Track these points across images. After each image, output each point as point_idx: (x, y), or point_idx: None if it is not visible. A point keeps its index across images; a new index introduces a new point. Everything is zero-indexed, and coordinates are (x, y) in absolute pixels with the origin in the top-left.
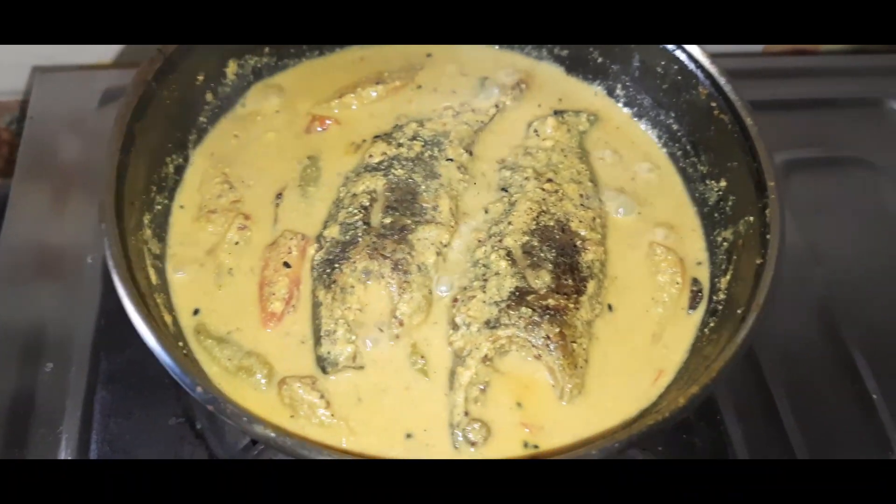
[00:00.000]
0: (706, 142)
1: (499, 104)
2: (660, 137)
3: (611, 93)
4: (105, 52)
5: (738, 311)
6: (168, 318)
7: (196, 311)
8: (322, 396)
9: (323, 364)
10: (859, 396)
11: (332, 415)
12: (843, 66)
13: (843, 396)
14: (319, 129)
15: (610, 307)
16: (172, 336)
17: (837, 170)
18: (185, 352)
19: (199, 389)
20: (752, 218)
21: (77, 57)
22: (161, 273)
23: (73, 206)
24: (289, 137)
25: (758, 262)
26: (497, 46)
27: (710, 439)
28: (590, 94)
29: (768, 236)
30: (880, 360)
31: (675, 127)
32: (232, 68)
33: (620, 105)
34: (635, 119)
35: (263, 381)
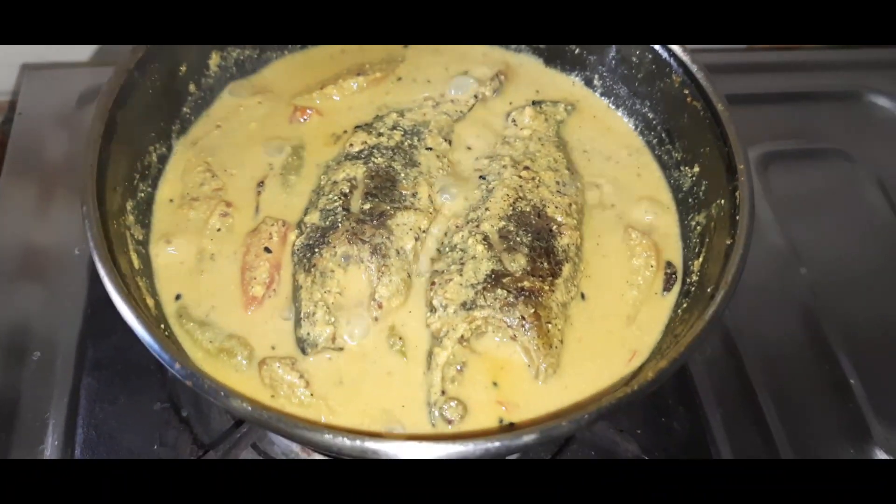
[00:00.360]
0: (680, 129)
1: (478, 95)
2: (636, 126)
3: (588, 83)
4: (94, 51)
5: (709, 290)
6: (150, 302)
7: (178, 296)
8: (302, 376)
9: (303, 345)
10: (837, 385)
11: (312, 394)
12: (822, 59)
13: (821, 381)
14: (302, 119)
15: (583, 296)
16: (154, 318)
17: (817, 162)
18: (167, 334)
19: (177, 366)
20: (723, 201)
21: (66, 54)
22: (144, 258)
23: (62, 200)
24: (271, 127)
25: (728, 242)
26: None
27: (689, 422)
28: (568, 85)
29: (738, 217)
30: (860, 352)
31: (650, 115)
32: (215, 60)
33: (598, 94)
34: (612, 108)
35: (244, 362)
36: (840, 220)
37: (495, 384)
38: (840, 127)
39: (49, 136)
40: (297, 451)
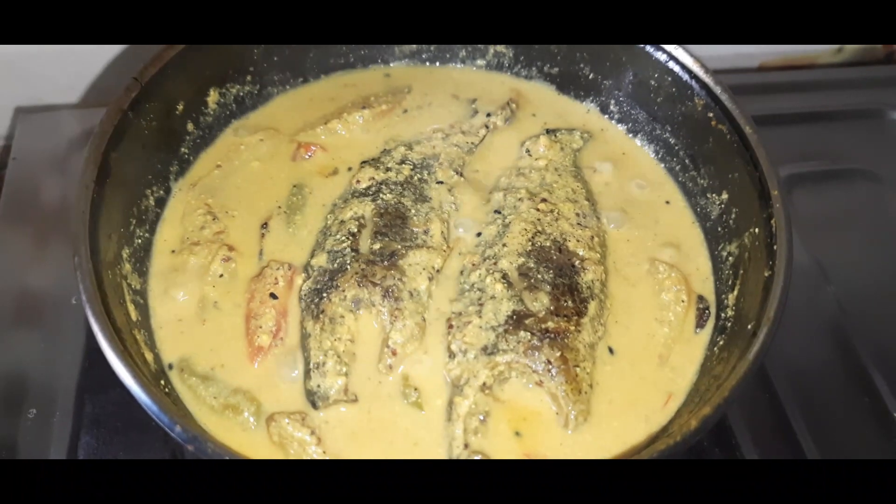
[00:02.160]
0: (705, 154)
1: (489, 125)
2: (657, 152)
3: (604, 109)
4: (90, 92)
5: (749, 327)
6: (149, 356)
7: (179, 355)
8: (313, 433)
9: (313, 398)
10: (877, 414)
11: (324, 452)
12: (840, 78)
13: (860, 415)
14: (306, 156)
15: (611, 350)
16: (153, 374)
17: (841, 183)
18: (167, 391)
19: (178, 429)
20: (757, 229)
21: (61, 97)
22: (142, 309)
23: (58, 246)
24: (274, 166)
25: (766, 274)
26: (485, 69)
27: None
28: (582, 112)
29: (775, 247)
30: (893, 368)
31: (671, 141)
32: (213, 97)
33: (614, 122)
34: (630, 135)
35: (252, 419)
36: (866, 238)
37: (518, 434)
38: (862, 146)
39: (45, 181)
40: None
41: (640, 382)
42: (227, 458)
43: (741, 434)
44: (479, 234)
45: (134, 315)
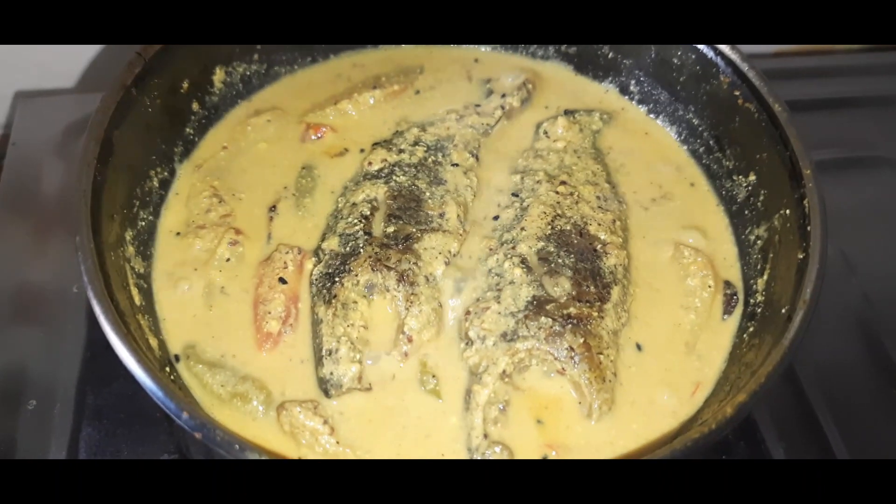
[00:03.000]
0: (731, 135)
1: (504, 106)
2: (679, 134)
3: (624, 90)
4: (87, 76)
5: (783, 311)
6: (154, 342)
7: (186, 339)
8: (326, 422)
9: (325, 387)
10: None
11: (338, 442)
12: (860, 64)
13: (890, 409)
14: (314, 137)
15: (637, 346)
16: (158, 361)
17: (864, 171)
18: (172, 378)
19: (185, 416)
20: (788, 211)
21: (56, 81)
22: (146, 293)
23: (58, 234)
24: (282, 147)
25: (800, 256)
26: (500, 48)
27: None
28: (600, 93)
29: (809, 228)
30: None
31: (695, 121)
32: (219, 76)
33: (634, 103)
34: (651, 116)
35: (261, 407)
36: (890, 228)
37: (539, 422)
38: (884, 133)
39: (45, 167)
40: None
41: (667, 371)
42: (237, 445)
43: (766, 428)
44: (496, 218)
45: (138, 299)
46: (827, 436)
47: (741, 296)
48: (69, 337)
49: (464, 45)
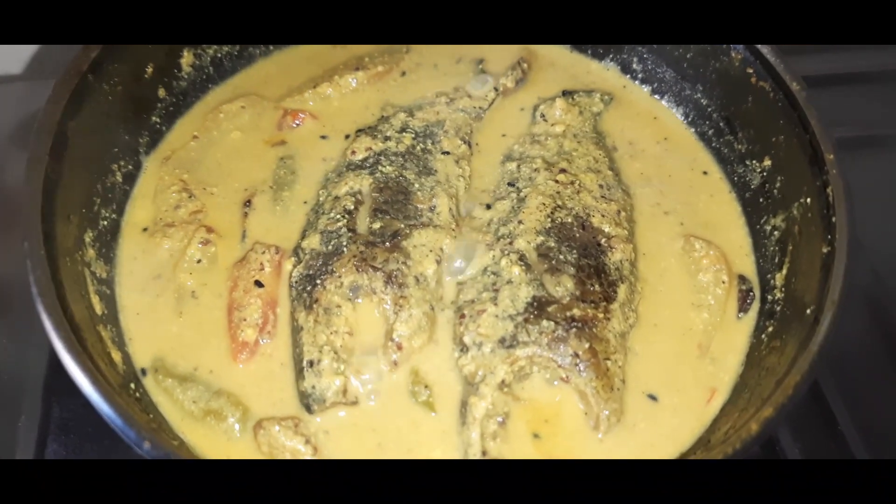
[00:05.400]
0: (743, 116)
1: (498, 87)
2: (686, 115)
3: (625, 68)
4: (35, 61)
5: (808, 312)
6: (117, 356)
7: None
8: (308, 441)
9: (307, 401)
10: None
11: None
12: None
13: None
14: (293, 124)
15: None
16: (122, 377)
17: (881, 150)
18: (138, 395)
19: (146, 445)
20: (808, 200)
21: (7, 67)
22: (109, 300)
23: (17, 231)
24: (257, 136)
25: (824, 250)
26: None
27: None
28: (601, 71)
29: (833, 219)
30: None
31: (703, 102)
32: (187, 59)
33: (637, 82)
34: (655, 97)
35: (237, 425)
36: None
37: (536, 436)
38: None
39: (4, 157)
40: None
41: (678, 375)
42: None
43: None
44: (488, 207)
45: (99, 308)
46: (844, 433)
47: (757, 292)
48: (33, 342)
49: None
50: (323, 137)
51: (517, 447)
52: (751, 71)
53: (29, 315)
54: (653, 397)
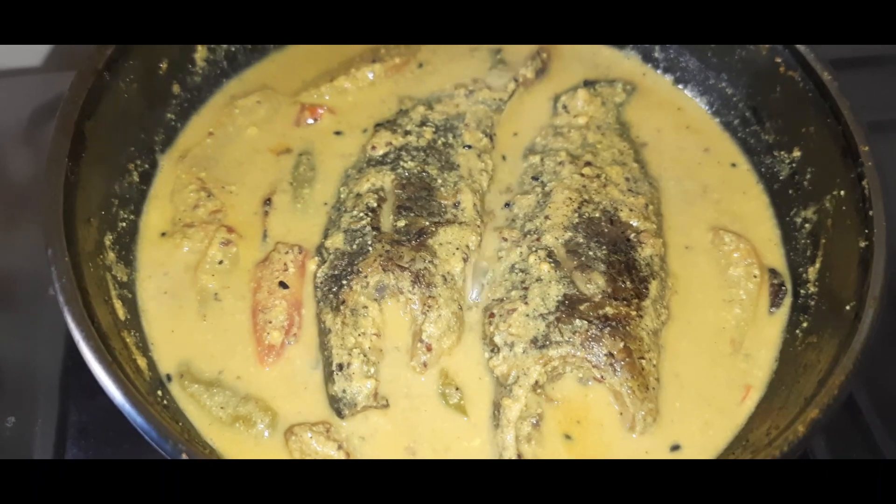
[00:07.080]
0: (771, 106)
1: (518, 78)
2: (711, 105)
3: (647, 57)
4: (49, 52)
5: (847, 308)
6: (142, 362)
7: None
8: (340, 447)
9: (338, 406)
10: None
11: None
12: None
13: None
14: (310, 120)
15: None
16: (148, 384)
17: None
18: (165, 402)
19: (183, 457)
20: (842, 192)
21: (20, 59)
22: (131, 305)
23: (28, 227)
24: (275, 132)
25: (861, 244)
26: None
27: None
28: (621, 60)
29: (870, 213)
30: None
31: (728, 91)
32: (201, 54)
33: (659, 71)
34: (679, 86)
35: (266, 431)
36: None
37: (568, 437)
38: None
39: (11, 153)
40: None
41: (712, 375)
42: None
43: None
44: (507, 205)
45: (122, 313)
46: (873, 433)
47: (789, 286)
48: (47, 345)
49: None
50: (337, 133)
51: (550, 448)
52: (779, 60)
53: (34, 309)
54: (685, 395)
